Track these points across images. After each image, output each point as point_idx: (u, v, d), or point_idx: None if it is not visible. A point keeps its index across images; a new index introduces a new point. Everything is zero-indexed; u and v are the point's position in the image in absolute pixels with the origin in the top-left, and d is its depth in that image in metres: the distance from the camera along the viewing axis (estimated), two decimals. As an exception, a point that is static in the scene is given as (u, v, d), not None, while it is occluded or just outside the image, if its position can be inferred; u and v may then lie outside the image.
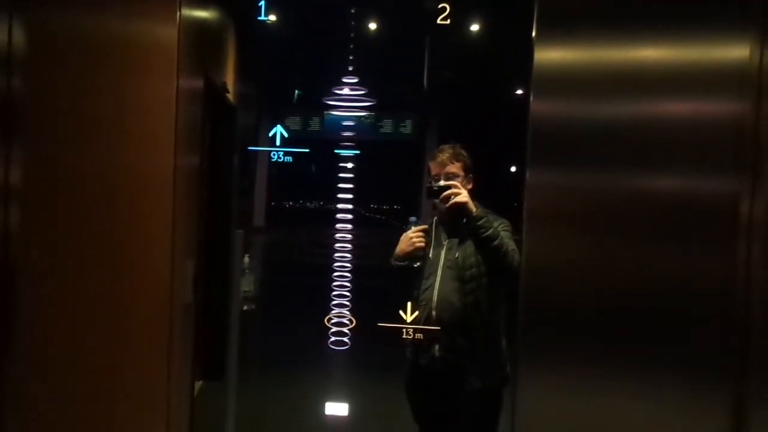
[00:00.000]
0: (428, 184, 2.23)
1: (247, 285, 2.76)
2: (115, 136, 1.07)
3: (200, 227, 2.22)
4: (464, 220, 2.18)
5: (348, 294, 3.56)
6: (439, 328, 2.20)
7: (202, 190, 2.42)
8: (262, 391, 3.96)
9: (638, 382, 1.42)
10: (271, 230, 8.15)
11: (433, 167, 2.25)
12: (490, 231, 2.14)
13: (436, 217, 2.32)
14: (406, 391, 2.33)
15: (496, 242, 2.14)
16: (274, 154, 6.94)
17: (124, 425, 1.22)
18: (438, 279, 2.23)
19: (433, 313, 2.20)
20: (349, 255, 4.38)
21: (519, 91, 8.44)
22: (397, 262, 2.26)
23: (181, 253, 1.53)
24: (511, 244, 2.18)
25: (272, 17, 5.26)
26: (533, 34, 1.43)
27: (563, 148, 1.46)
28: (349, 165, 5.19)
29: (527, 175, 1.47)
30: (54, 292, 0.89)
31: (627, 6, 1.42)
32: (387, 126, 7.51)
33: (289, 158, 7.22)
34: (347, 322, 2.20)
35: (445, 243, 2.27)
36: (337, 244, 4.30)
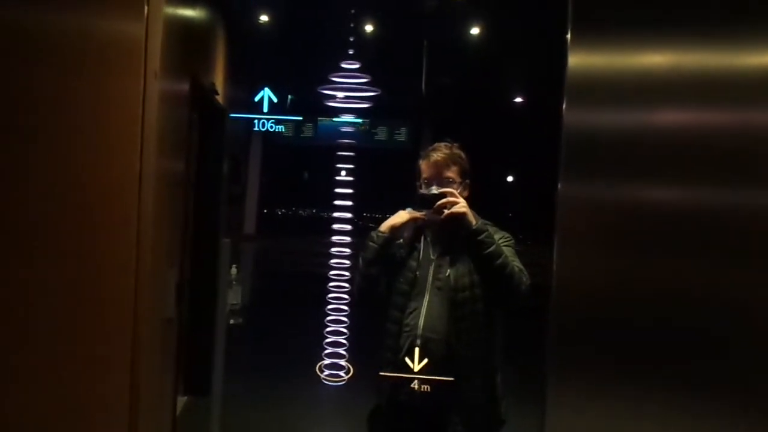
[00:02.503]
0: (421, 192, 1.84)
1: (234, 298, 2.62)
2: (69, 137, 0.96)
3: (185, 235, 2.08)
4: (462, 234, 1.80)
5: (345, 319, 3.28)
6: (453, 379, 1.77)
7: (187, 196, 2.30)
8: (249, 408, 3.83)
9: (670, 401, 1.34)
10: (262, 238, 8.02)
11: (426, 169, 1.87)
12: (493, 247, 1.80)
13: (425, 230, 1.88)
14: (374, 428, 1.92)
15: (499, 261, 1.81)
16: (258, 123, 6.73)
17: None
18: (425, 302, 1.86)
19: (418, 341, 1.82)
20: (344, 267, 4.09)
21: (518, 99, 8.37)
22: (380, 233, 1.86)
23: (157, 264, 1.42)
24: (517, 263, 1.84)
25: (266, 17, 5.17)
26: (568, 38, 1.33)
27: (598, 159, 1.36)
28: (344, 173, 5.04)
29: (560, 187, 1.35)
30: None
31: (668, 10, 1.33)
32: (381, 133, 7.40)
33: (281, 127, 7.04)
34: (342, 374, 1.90)
35: (435, 259, 1.90)
36: (334, 261, 3.94)
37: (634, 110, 1.35)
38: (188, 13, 2.13)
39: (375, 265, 1.84)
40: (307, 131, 7.55)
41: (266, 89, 6.65)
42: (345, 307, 3.43)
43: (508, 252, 1.83)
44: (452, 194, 1.79)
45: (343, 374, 1.76)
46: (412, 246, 1.89)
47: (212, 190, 2.88)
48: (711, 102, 1.32)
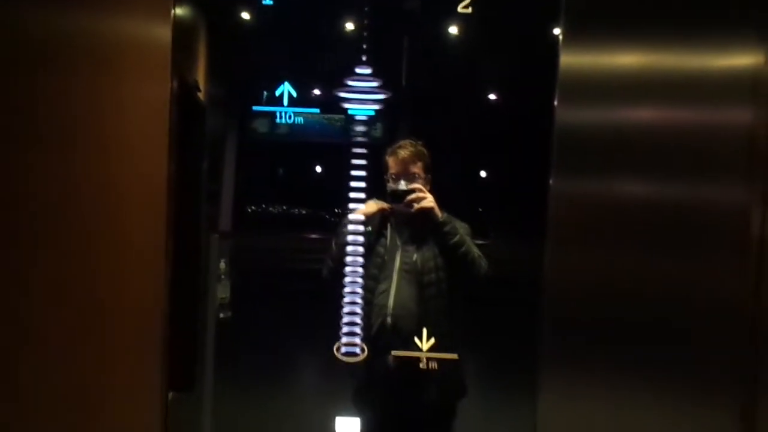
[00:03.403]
0: (392, 187, 2.04)
1: (223, 292, 2.65)
2: (96, 141, 0.99)
3: (171, 231, 2.10)
4: (429, 226, 2.02)
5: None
6: (456, 356, 1.99)
7: (172, 193, 2.32)
8: (240, 403, 3.87)
9: (655, 390, 1.42)
10: (238, 235, 8.02)
11: (393, 165, 2.07)
12: (457, 237, 2.01)
13: (390, 218, 2.10)
14: (355, 402, 2.14)
15: (463, 249, 2.02)
16: (280, 116, 6.78)
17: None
18: (394, 284, 2.04)
19: (389, 320, 2.01)
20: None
21: (492, 96, 8.50)
22: (353, 215, 2.04)
23: (158, 261, 1.46)
24: (476, 250, 2.05)
25: (246, 15, 5.17)
26: (560, 38, 1.39)
27: (587, 156, 1.43)
28: (318, 169, 5.06)
29: (551, 183, 1.43)
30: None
31: (651, 13, 1.40)
32: (353, 128, 7.41)
33: (300, 119, 7.05)
34: (358, 351, 2.00)
35: (401, 245, 2.09)
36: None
37: (621, 107, 1.42)
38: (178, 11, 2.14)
39: (346, 250, 2.02)
40: (283, 126, 7.55)
41: (286, 83, 6.62)
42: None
43: (468, 241, 2.05)
44: (421, 190, 2.00)
45: (359, 351, 1.85)
46: (379, 233, 2.09)
47: (195, 187, 2.88)
48: (684, 101, 1.40)
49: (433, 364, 1.98)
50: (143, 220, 1.28)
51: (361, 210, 2.05)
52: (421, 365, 1.97)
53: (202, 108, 3.43)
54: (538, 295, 1.47)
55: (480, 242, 2.27)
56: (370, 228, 2.06)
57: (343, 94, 2.08)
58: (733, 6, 1.32)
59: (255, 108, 7.27)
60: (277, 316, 6.59)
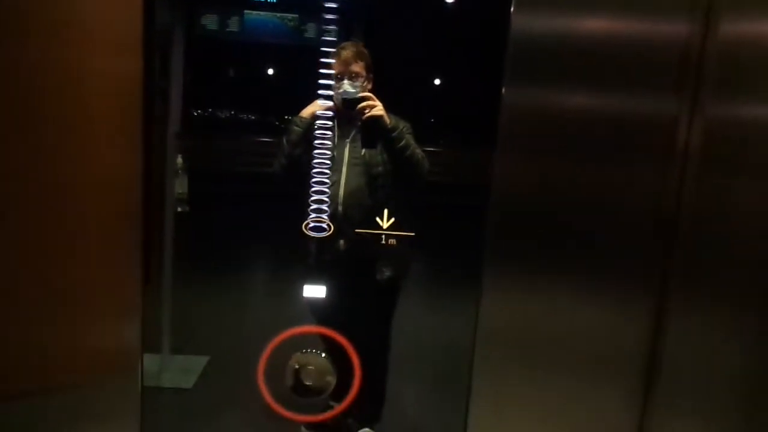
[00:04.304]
0: (341, 91, 2.13)
1: (180, 186, 2.69)
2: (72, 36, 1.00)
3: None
4: (378, 131, 2.13)
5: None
6: (413, 234, 2.15)
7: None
8: (202, 293, 4.01)
9: (580, 287, 1.58)
10: (186, 137, 7.84)
11: (336, 65, 2.15)
12: (403, 141, 2.16)
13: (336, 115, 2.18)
14: (317, 276, 2.21)
15: (408, 151, 2.17)
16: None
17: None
18: (343, 176, 2.20)
19: (340, 208, 2.18)
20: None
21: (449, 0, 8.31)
22: (302, 118, 2.16)
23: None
24: (420, 151, 2.20)
25: None
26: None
27: (538, 66, 1.50)
28: (270, 71, 4.96)
29: (503, 92, 1.50)
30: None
31: None
32: (311, 30, 7.21)
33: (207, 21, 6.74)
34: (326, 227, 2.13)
35: (348, 141, 2.23)
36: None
37: (572, 17, 1.49)
38: None
39: (298, 146, 2.17)
40: (233, 25, 7.27)
41: None
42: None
43: (412, 141, 2.19)
44: (371, 98, 2.12)
45: (326, 227, 1.97)
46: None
47: (147, 85, 2.83)
48: (629, 11, 1.47)
49: (392, 241, 2.16)
50: (115, 112, 1.31)
51: (310, 108, 2.16)
52: (381, 241, 2.15)
53: (150, 1, 3.31)
54: (485, 200, 1.57)
55: (431, 149, 2.39)
56: (317, 127, 2.16)
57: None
58: None
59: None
60: (233, 211, 6.68)
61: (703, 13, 1.42)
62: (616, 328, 1.60)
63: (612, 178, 1.57)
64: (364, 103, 2.11)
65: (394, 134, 2.15)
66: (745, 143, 1.45)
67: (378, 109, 2.13)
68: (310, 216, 2.11)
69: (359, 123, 2.18)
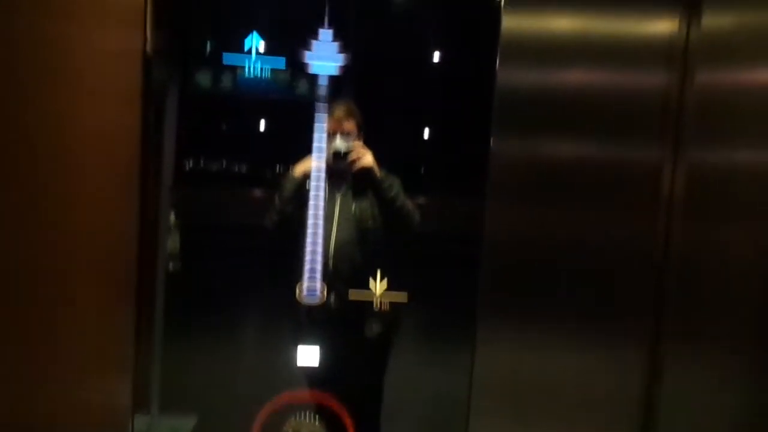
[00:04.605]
0: (333, 146, 2.21)
1: (172, 243, 2.69)
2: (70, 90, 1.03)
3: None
4: (368, 182, 2.20)
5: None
6: (405, 297, 2.17)
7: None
8: (192, 350, 3.95)
9: (572, 335, 1.58)
10: (178, 189, 7.87)
11: (329, 123, 2.25)
12: (394, 192, 2.22)
13: (326, 172, 2.24)
14: (295, 342, 2.25)
15: (399, 202, 2.23)
16: (247, 67, 6.60)
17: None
18: (334, 231, 2.23)
19: (330, 263, 2.20)
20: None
21: (436, 59, 8.55)
22: (295, 175, 2.22)
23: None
24: (410, 203, 2.26)
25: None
26: (501, 2, 1.48)
27: (525, 116, 1.54)
28: (262, 124, 5.05)
29: (492, 142, 1.53)
30: None
31: None
32: (302, 86, 7.36)
33: (267, 73, 6.87)
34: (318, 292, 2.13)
35: (339, 197, 2.27)
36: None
37: (556, 70, 1.53)
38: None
39: (291, 202, 2.23)
40: (226, 81, 7.42)
41: (254, 33, 6.40)
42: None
43: (402, 194, 2.24)
44: (361, 148, 2.21)
45: (318, 293, 1.97)
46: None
47: (143, 139, 2.87)
48: (610, 64, 1.52)
49: (386, 305, 2.17)
50: (113, 166, 1.32)
51: (300, 166, 2.24)
52: (374, 307, 2.17)
53: (149, 60, 3.39)
54: (478, 249, 1.59)
55: (421, 200, 2.44)
56: (309, 182, 2.22)
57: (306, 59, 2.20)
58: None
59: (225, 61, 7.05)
60: (224, 266, 6.64)
61: (680, 63, 1.48)
62: (610, 375, 1.59)
63: (600, 225, 1.59)
64: (354, 154, 2.19)
65: (384, 185, 2.21)
66: (726, 187, 1.48)
67: (368, 159, 2.20)
68: (305, 284, 2.13)
69: (350, 178, 2.24)
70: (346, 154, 2.19)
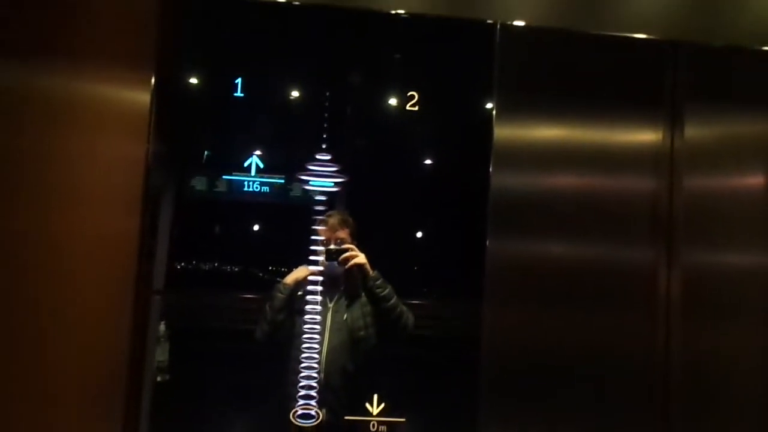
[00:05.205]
0: (327, 248, 2.30)
1: (161, 354, 2.61)
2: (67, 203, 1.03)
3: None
4: (361, 282, 2.23)
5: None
6: (404, 420, 2.11)
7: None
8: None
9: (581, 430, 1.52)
10: (171, 293, 7.79)
11: (323, 232, 2.36)
12: (386, 291, 2.25)
13: (319, 281, 2.31)
14: None
15: (392, 302, 2.24)
16: (248, 184, 6.70)
17: None
18: (326, 342, 2.23)
19: (322, 375, 2.17)
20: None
21: (430, 164, 8.74)
22: (286, 285, 2.26)
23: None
24: (403, 305, 2.29)
25: (194, 79, 5.21)
26: (493, 113, 1.54)
27: (519, 220, 1.56)
28: (255, 227, 5.10)
29: (488, 245, 1.54)
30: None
31: (570, 93, 1.57)
32: (296, 190, 7.49)
33: (266, 188, 6.97)
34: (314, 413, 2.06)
35: (331, 306, 2.30)
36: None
37: (547, 175, 1.57)
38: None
39: (281, 312, 2.25)
40: (221, 186, 7.53)
41: (254, 156, 6.61)
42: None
43: (395, 295, 2.25)
44: (353, 249, 2.27)
45: (313, 422, 1.90)
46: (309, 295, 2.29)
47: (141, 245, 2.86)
48: (599, 170, 1.56)
49: (383, 428, 2.11)
50: (110, 272, 1.31)
51: (294, 274, 2.29)
52: (371, 429, 2.11)
53: (147, 168, 3.46)
54: (476, 352, 1.56)
55: (416, 302, 2.45)
56: (300, 292, 2.27)
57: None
58: (638, 90, 1.51)
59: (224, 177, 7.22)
60: (215, 378, 6.41)
61: (667, 170, 1.52)
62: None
63: (600, 326, 1.58)
64: (346, 254, 2.24)
65: (377, 283, 2.24)
66: (720, 287, 1.48)
67: (360, 258, 2.25)
68: (298, 409, 2.06)
69: (342, 284, 2.28)
70: (339, 252, 2.22)
